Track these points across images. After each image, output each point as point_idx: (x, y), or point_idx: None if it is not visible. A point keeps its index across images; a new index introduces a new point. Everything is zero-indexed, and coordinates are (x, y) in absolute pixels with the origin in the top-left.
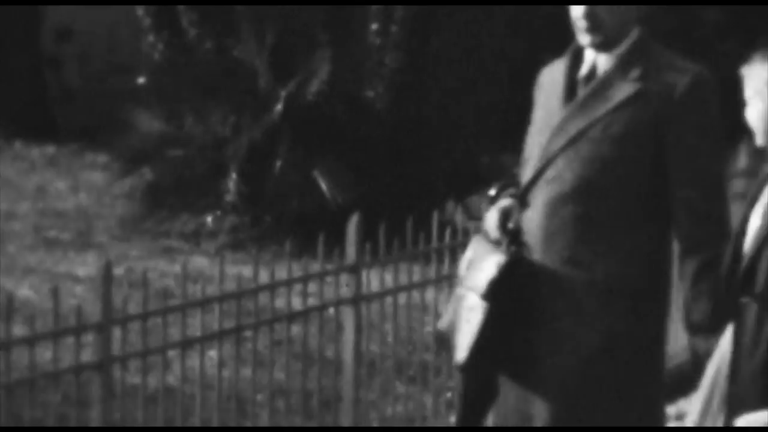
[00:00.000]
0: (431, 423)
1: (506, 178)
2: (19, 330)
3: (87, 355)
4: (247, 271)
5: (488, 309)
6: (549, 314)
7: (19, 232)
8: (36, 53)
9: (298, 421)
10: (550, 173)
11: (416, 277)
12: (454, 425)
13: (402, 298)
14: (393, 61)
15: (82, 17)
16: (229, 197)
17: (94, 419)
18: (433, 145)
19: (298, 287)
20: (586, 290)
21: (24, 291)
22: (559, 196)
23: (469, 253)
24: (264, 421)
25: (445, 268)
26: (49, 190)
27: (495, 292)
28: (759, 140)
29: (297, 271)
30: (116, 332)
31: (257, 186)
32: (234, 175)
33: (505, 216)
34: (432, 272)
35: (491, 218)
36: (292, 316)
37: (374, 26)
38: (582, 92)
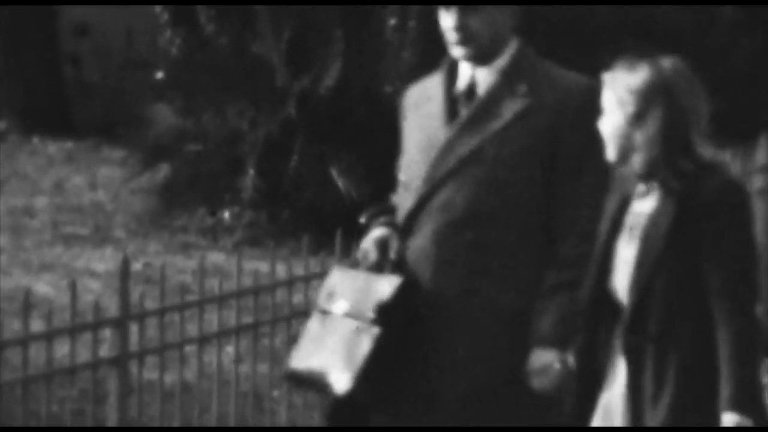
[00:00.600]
0: None
1: (377, 203)
2: (36, 325)
3: (104, 351)
4: (264, 266)
5: (379, 334)
6: (446, 350)
7: (36, 227)
8: (53, 49)
9: (315, 417)
10: (438, 199)
11: None
12: None
13: None
14: (410, 56)
15: (100, 13)
16: (247, 193)
17: (111, 415)
18: None
19: (315, 283)
20: (486, 325)
21: (41, 286)
22: (450, 224)
23: (330, 283)
24: (281, 417)
25: None
26: (66, 186)
27: (387, 316)
28: (610, 155)
29: (314, 266)
30: (133, 328)
31: (274, 181)
32: (251, 171)
33: (383, 245)
34: None
35: (369, 248)
36: (309, 312)
37: (392, 22)
38: (466, 110)
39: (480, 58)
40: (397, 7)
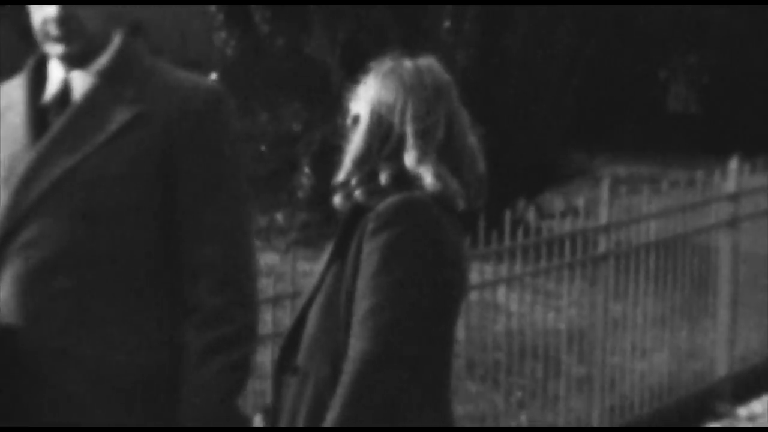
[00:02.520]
0: (502, 422)
1: None
2: None
3: None
4: (318, 267)
5: None
6: (39, 422)
7: None
8: None
9: None
10: (25, 235)
11: (488, 275)
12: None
13: (474, 296)
14: (464, 59)
15: (154, 13)
16: (301, 193)
17: None
18: (505, 143)
19: None
20: (87, 390)
21: None
22: (39, 266)
23: None
24: None
25: (518, 268)
26: None
27: None
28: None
29: None
30: None
31: (329, 182)
32: (306, 171)
33: None
34: (504, 271)
35: None
36: None
37: (447, 24)
38: (58, 122)
39: (81, 56)
40: (452, 9)
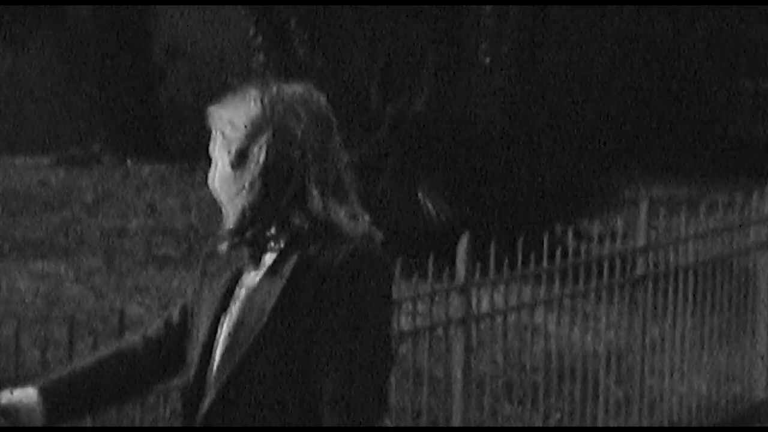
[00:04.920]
0: None
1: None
2: None
3: None
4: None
5: None
6: None
7: (130, 249)
8: (147, 73)
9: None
10: None
11: (526, 297)
12: None
13: (512, 318)
14: (502, 80)
15: (193, 37)
16: None
17: None
18: (543, 164)
19: (407, 307)
20: None
21: (135, 308)
22: None
23: None
24: None
25: (556, 289)
26: (159, 208)
27: None
28: (226, 213)
29: (406, 290)
30: None
31: (363, 203)
32: None
33: None
34: (542, 293)
35: None
36: (401, 336)
37: (484, 45)
38: None
39: None
40: (490, 29)
